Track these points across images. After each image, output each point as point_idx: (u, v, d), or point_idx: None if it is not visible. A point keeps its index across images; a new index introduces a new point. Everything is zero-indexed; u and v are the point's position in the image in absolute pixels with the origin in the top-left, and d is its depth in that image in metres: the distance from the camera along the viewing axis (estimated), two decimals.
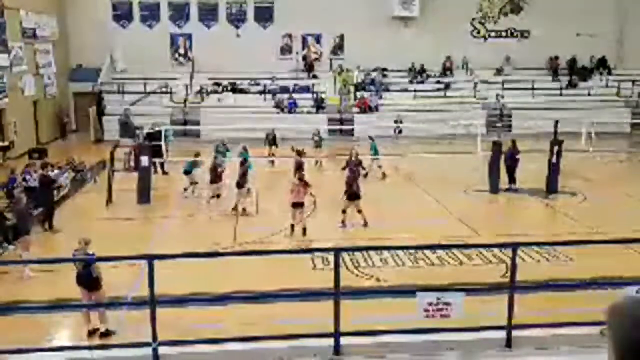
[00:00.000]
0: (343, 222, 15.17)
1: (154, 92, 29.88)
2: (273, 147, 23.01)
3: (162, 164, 21.48)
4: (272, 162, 22.67)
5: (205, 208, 17.20)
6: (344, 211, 15.18)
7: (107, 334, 9.42)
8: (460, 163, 23.22)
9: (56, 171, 17.31)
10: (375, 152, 21.16)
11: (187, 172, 18.80)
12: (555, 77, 33.31)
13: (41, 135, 27.37)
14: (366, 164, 20.31)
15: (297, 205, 14.55)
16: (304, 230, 14.67)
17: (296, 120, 28.04)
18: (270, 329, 8.94)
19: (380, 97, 30.87)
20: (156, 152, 20.82)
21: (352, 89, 31.31)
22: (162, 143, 21.04)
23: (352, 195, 15.06)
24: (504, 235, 14.71)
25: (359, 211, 15.12)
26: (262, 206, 16.97)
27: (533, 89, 31.67)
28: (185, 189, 18.56)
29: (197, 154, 19.39)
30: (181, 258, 10.61)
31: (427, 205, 17.47)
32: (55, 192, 16.11)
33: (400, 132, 26.77)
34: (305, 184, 14.97)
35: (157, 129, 21.78)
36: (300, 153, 18.99)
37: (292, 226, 14.64)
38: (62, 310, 10.24)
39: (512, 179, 19.00)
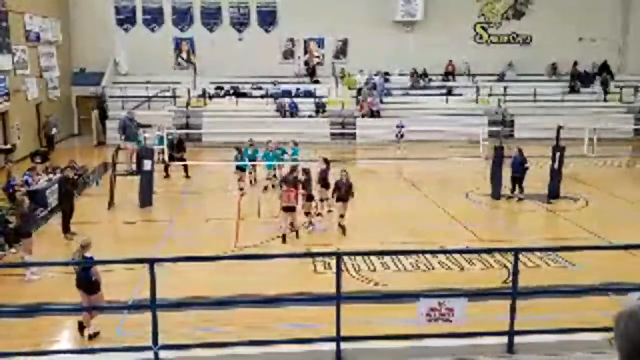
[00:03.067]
0: (311, 222, 15.50)
1: (157, 96, 29.90)
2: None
3: (185, 167, 21.51)
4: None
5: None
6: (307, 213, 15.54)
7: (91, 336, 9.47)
8: (462, 168, 23.23)
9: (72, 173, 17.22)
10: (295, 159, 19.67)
11: (240, 168, 19.20)
12: (575, 83, 33.04)
13: (44, 138, 27.37)
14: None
15: (288, 209, 14.23)
16: (297, 232, 14.55)
17: (298, 124, 28.05)
18: (271, 333, 8.94)
19: (381, 102, 30.85)
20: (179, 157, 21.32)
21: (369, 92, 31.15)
22: (164, 147, 21.11)
23: (310, 197, 15.58)
24: (506, 240, 14.71)
25: (307, 213, 15.56)
26: (265, 210, 16.96)
27: (535, 94, 31.67)
28: (242, 188, 18.99)
29: (237, 148, 19.61)
30: (182, 261, 10.63)
31: (428, 210, 17.45)
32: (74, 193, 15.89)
33: (402, 136, 26.78)
34: (295, 186, 14.51)
35: (178, 132, 21.91)
36: (308, 172, 16.37)
37: (284, 236, 14.22)
38: (63, 313, 10.22)
39: (519, 187, 18.48)
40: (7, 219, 13.90)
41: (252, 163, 19.74)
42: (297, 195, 14.52)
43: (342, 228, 14.90)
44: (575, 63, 33.43)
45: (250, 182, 20.23)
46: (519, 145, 19.41)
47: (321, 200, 16.36)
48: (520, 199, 18.37)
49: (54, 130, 26.48)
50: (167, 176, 21.38)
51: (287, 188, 14.30)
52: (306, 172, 15.78)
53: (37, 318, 9.96)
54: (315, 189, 16.10)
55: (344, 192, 14.83)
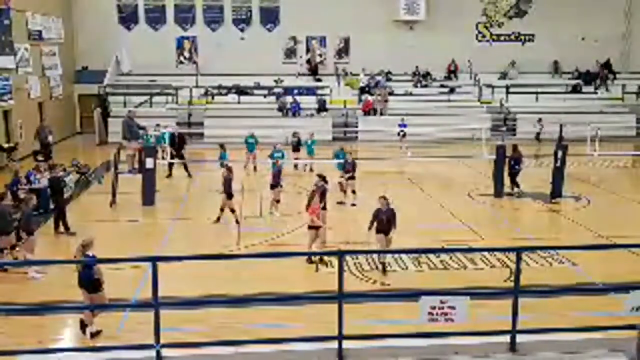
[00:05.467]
0: (218, 218, 15.74)
1: (159, 94, 29.94)
2: (297, 151, 22.77)
3: (185, 166, 21.57)
4: (296, 165, 22.69)
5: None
6: (221, 209, 15.73)
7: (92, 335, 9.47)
8: (465, 167, 23.22)
9: (61, 172, 17.32)
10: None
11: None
12: (601, 84, 32.97)
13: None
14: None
15: (312, 228, 12.81)
16: (321, 260, 12.72)
17: (300, 123, 28.03)
18: (273, 332, 8.96)
19: (385, 101, 30.85)
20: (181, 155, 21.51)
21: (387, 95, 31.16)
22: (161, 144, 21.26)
23: (229, 194, 15.63)
24: (508, 239, 14.69)
25: (232, 210, 15.70)
26: (268, 208, 16.99)
27: (537, 93, 31.64)
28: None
29: (222, 145, 19.89)
30: (185, 260, 10.62)
31: (430, 209, 17.44)
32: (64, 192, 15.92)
33: (404, 135, 26.77)
34: (322, 200, 13.08)
35: (162, 131, 21.94)
36: (325, 179, 14.79)
37: (310, 260, 12.71)
38: (65, 311, 10.24)
39: (515, 183, 18.88)
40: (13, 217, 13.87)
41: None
42: (318, 215, 12.85)
43: (383, 265, 12.39)
44: (600, 62, 33.52)
45: (255, 168, 22.12)
46: (515, 143, 19.51)
47: (353, 192, 17.69)
48: (519, 195, 18.47)
49: (50, 138, 24.54)
50: (169, 175, 21.42)
51: (314, 204, 12.81)
52: (229, 169, 15.88)
53: (40, 316, 9.98)
54: (343, 178, 17.80)
55: (386, 222, 12.20)
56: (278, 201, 16.77)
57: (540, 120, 28.63)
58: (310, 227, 12.81)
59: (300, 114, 29.62)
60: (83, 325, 9.54)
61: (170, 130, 22.31)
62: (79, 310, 9.95)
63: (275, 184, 16.86)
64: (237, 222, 15.51)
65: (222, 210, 15.73)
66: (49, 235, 14.71)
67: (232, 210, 15.66)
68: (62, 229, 14.89)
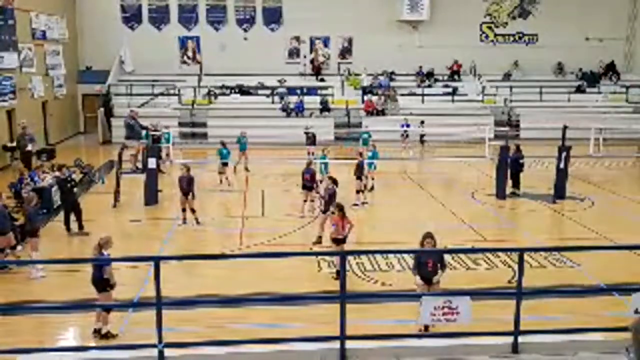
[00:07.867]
0: (184, 219, 15.70)
1: (162, 94, 29.97)
2: (312, 146, 22.88)
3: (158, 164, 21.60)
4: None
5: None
6: (183, 210, 15.71)
7: (106, 335, 9.33)
8: (468, 168, 23.20)
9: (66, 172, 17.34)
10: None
11: (226, 164, 19.54)
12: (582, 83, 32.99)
13: (50, 137, 27.47)
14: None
15: (338, 241, 11.73)
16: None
17: (303, 123, 28.02)
18: (275, 332, 8.96)
19: (386, 101, 30.80)
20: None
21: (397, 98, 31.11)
22: (164, 144, 21.28)
23: (187, 194, 15.54)
24: (511, 240, 14.67)
25: (193, 210, 15.65)
26: (270, 207, 16.98)
27: (541, 93, 31.59)
28: (222, 181, 19.43)
29: (222, 142, 20.12)
30: (187, 260, 10.66)
31: (433, 210, 17.42)
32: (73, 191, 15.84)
33: (407, 136, 26.75)
34: (344, 216, 11.80)
35: (164, 131, 21.95)
36: (335, 181, 14.41)
37: (338, 272, 11.24)
38: (67, 310, 10.25)
39: (516, 184, 18.91)
40: (12, 217, 13.92)
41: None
42: (346, 226, 11.77)
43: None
44: (606, 62, 33.68)
45: (246, 168, 22.00)
46: (517, 143, 19.50)
47: (357, 192, 17.50)
48: (517, 195, 18.47)
49: (30, 146, 21.66)
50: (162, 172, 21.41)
51: (337, 216, 11.75)
52: (187, 168, 15.89)
53: (42, 315, 10.00)
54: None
55: (432, 266, 9.55)
56: (305, 201, 16.54)
57: (422, 122, 28.18)
58: (334, 240, 11.77)
59: (304, 114, 29.60)
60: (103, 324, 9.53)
61: (170, 130, 22.31)
62: (80, 310, 9.96)
63: (309, 186, 16.52)
64: (197, 222, 15.55)
65: (184, 210, 15.68)
66: (52, 234, 14.72)
67: (193, 211, 15.60)
68: (75, 228, 14.88)
